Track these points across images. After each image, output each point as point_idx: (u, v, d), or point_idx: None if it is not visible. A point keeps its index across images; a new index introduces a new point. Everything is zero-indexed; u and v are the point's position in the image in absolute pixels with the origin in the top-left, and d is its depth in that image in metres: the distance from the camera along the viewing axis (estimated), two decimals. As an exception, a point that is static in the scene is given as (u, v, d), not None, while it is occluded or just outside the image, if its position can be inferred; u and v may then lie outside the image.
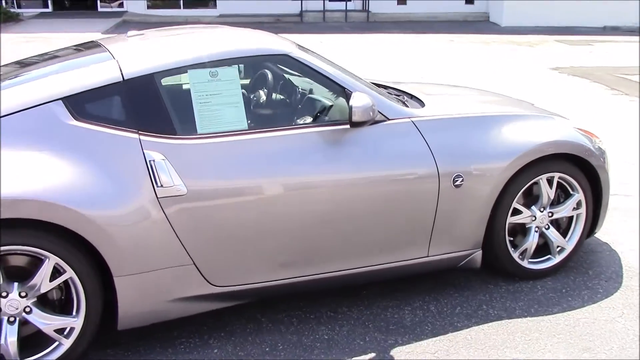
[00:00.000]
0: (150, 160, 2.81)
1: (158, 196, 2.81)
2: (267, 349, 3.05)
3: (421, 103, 3.57)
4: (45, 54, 3.67)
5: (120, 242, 2.76)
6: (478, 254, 3.51)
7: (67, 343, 2.80)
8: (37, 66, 3.31)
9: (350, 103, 3.03)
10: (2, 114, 2.74)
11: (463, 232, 3.41)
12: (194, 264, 2.92)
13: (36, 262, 2.74)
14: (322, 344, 3.09)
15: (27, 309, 2.73)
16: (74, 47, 3.62)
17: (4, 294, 2.68)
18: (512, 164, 3.39)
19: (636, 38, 16.33)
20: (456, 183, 3.29)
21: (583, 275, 3.77)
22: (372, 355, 3.00)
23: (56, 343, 2.80)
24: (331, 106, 3.34)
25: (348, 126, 3.14)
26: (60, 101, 2.80)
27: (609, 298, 3.51)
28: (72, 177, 2.70)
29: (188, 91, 2.99)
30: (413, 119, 3.31)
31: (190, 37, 3.44)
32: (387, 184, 3.18)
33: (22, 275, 2.74)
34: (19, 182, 2.61)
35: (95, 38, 3.71)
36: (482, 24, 18.79)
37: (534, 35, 16.55)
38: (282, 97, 3.73)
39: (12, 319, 2.72)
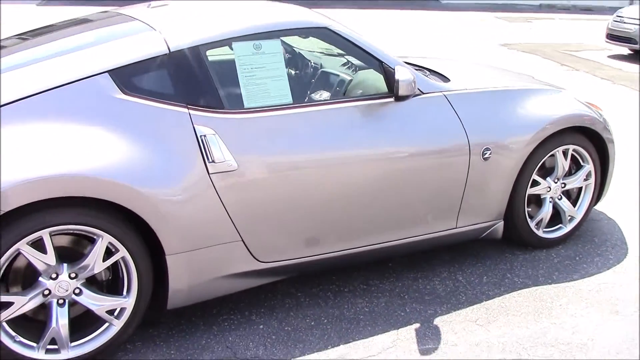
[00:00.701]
0: (201, 136, 2.74)
1: (210, 172, 2.75)
2: (312, 323, 3.06)
3: (444, 78, 3.61)
4: (56, 25, 3.49)
5: (173, 219, 2.69)
6: (500, 225, 3.61)
7: (118, 324, 2.71)
8: (58, 37, 3.15)
9: (397, 77, 3.04)
10: (45, 88, 2.60)
11: (488, 204, 3.50)
12: (242, 240, 2.88)
13: (84, 242, 2.65)
14: (365, 316, 3.12)
15: (77, 291, 2.63)
16: (92, 17, 3.46)
17: (53, 275, 2.57)
18: (535, 137, 3.49)
19: (571, 16, 16.97)
20: (485, 156, 3.37)
21: (590, 243, 3.94)
22: (417, 325, 3.06)
23: (106, 324, 2.72)
24: (351, 81, 3.36)
25: (387, 100, 3.15)
26: (107, 74, 2.68)
27: (620, 264, 3.68)
28: (125, 154, 2.60)
29: (232, 64, 2.92)
30: (445, 93, 3.35)
31: (226, 9, 3.33)
32: (423, 157, 3.22)
33: (71, 255, 2.63)
34: (70, 158, 2.49)
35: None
36: (423, 1, 19.02)
37: (474, 12, 16.93)
38: (304, 71, 3.70)
39: (61, 301, 2.62)
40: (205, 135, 2.75)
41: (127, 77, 2.71)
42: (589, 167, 3.83)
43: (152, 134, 2.69)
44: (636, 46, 10.73)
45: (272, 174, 2.89)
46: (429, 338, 2.96)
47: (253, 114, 2.88)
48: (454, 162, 3.31)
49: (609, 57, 11.22)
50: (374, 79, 3.24)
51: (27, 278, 2.61)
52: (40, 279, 2.56)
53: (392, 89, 3.14)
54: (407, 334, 2.98)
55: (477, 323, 3.09)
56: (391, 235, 3.26)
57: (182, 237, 2.73)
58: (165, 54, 2.79)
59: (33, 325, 2.66)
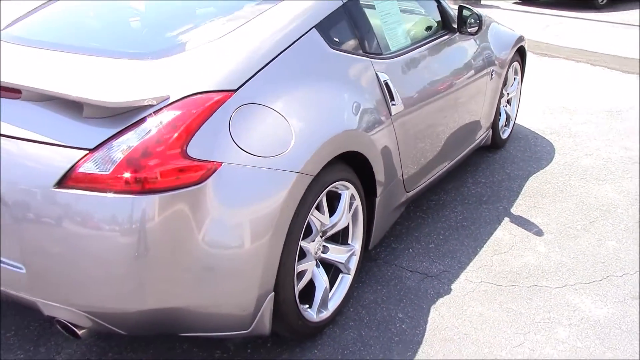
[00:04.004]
0: (384, 81, 2.91)
1: (391, 114, 2.95)
2: (440, 237, 3.48)
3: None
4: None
5: (381, 164, 2.85)
6: (490, 133, 4.41)
7: (351, 272, 2.82)
8: None
9: (480, 13, 3.53)
10: (272, 55, 2.45)
11: (489, 116, 4.25)
12: (402, 174, 3.15)
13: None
14: (467, 222, 3.64)
15: (322, 249, 2.67)
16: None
17: (314, 238, 2.57)
18: (508, 59, 4.33)
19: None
20: (492, 77, 4.09)
21: (519, 140, 5.00)
22: (508, 219, 3.70)
23: (340, 277, 2.80)
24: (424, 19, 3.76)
25: (452, 35, 3.64)
26: (315, 30, 2.65)
27: (556, 151, 4.79)
28: (351, 106, 2.66)
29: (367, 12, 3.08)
30: (469, 27, 3.95)
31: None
32: (477, 79, 3.81)
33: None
34: (333, 118, 2.49)
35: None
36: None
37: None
38: None
39: (315, 262, 2.63)
40: (386, 80, 2.92)
41: (326, 31, 2.71)
42: (519, 77, 4.83)
43: (356, 83, 2.76)
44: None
45: (420, 110, 3.18)
46: (527, 225, 3.64)
47: (398, 57, 3.11)
48: (482, 84, 3.96)
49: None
50: (435, 19, 3.66)
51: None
52: (301, 243, 2.53)
53: (451, 26, 3.64)
54: (512, 227, 3.62)
55: (537, 206, 3.87)
56: (458, 151, 3.82)
57: (382, 179, 2.91)
58: (341, 5, 2.84)
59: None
